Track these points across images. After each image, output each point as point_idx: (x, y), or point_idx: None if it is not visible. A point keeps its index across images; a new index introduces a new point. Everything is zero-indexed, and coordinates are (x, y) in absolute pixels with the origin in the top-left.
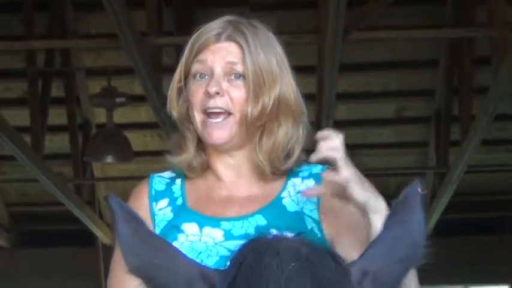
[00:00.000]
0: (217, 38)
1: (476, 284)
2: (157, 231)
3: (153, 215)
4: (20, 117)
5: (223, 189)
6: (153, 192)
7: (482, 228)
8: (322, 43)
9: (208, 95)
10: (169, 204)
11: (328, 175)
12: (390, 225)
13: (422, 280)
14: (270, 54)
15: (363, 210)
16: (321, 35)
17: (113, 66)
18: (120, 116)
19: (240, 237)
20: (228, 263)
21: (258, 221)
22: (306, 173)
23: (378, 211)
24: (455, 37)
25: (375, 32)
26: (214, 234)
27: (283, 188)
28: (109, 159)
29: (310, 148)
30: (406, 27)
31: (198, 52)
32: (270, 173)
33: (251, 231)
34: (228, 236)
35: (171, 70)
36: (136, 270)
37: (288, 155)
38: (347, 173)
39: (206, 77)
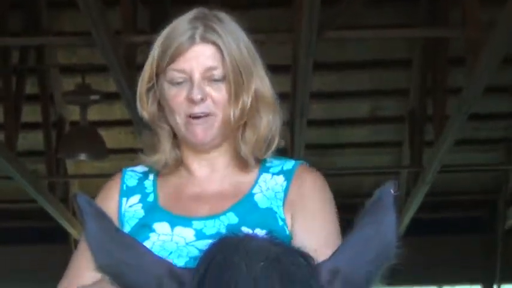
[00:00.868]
0: (191, 41)
1: (449, 284)
2: (127, 228)
3: (120, 212)
4: None
5: (195, 185)
6: (124, 188)
7: (455, 227)
8: (296, 42)
9: (193, 102)
10: (140, 200)
11: None
12: (363, 225)
13: (395, 280)
14: (242, 47)
15: None
16: (295, 34)
17: (87, 64)
18: (94, 113)
19: (211, 236)
20: (198, 262)
21: (230, 219)
22: (276, 169)
23: None
24: (429, 37)
25: (349, 31)
26: (185, 234)
27: (255, 183)
28: (83, 156)
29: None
30: (379, 27)
31: (173, 59)
32: (252, 163)
33: (223, 230)
34: (200, 235)
35: None
36: (104, 268)
37: (268, 145)
38: None
39: (184, 82)
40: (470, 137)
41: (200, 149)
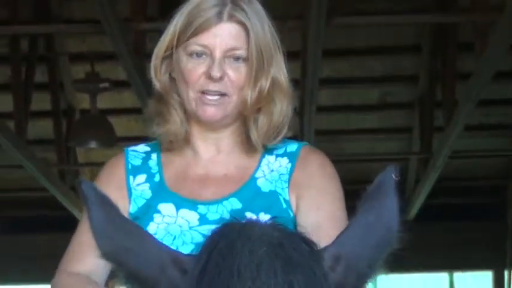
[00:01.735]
0: (219, 18)
1: (460, 270)
2: (134, 207)
3: (129, 189)
4: (4, 102)
5: (199, 166)
6: (129, 167)
7: (465, 213)
8: (306, 29)
9: (211, 79)
10: (147, 180)
11: None
12: (364, 210)
13: (406, 265)
14: (266, 30)
15: None
16: (304, 21)
17: (97, 52)
18: (104, 101)
19: (214, 221)
20: (201, 249)
21: (233, 204)
22: (280, 151)
23: None
24: (438, 22)
25: (358, 18)
26: (189, 217)
27: (258, 167)
28: (93, 144)
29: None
30: (388, 13)
31: (196, 33)
32: (259, 150)
33: (226, 215)
34: (203, 220)
35: None
36: (108, 255)
37: (277, 133)
38: None
39: (203, 56)
40: (480, 123)
41: (208, 126)
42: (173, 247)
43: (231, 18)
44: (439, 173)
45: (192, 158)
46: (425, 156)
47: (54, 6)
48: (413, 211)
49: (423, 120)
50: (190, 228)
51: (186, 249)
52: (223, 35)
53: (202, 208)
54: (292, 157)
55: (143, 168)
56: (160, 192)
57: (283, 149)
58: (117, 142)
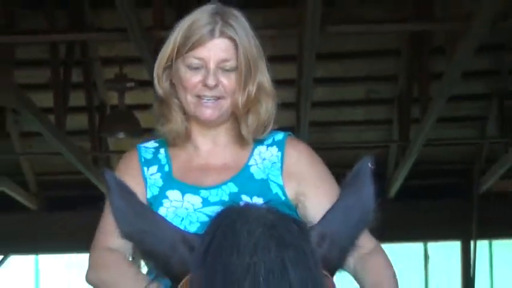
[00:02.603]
0: (211, 34)
1: (433, 240)
2: (150, 194)
3: (145, 178)
4: (45, 100)
5: (200, 157)
6: (142, 160)
7: (438, 192)
8: (301, 36)
9: (207, 87)
10: (158, 170)
11: None
12: (345, 194)
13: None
14: (252, 43)
15: None
16: (300, 29)
17: (124, 56)
18: (131, 98)
19: (215, 203)
20: (205, 229)
21: (231, 188)
22: (269, 141)
23: None
24: (414, 30)
25: (347, 26)
26: (194, 200)
27: (250, 156)
28: (121, 135)
29: (286, 125)
30: (372, 22)
31: (193, 48)
32: (250, 143)
33: (225, 197)
34: (206, 203)
35: None
36: (127, 236)
37: (265, 128)
38: None
39: (198, 69)
40: (450, 116)
41: (206, 124)
42: (181, 227)
43: (222, 34)
44: (415, 158)
45: (194, 151)
46: (404, 144)
47: (87, 16)
48: (393, 191)
49: (402, 114)
50: (195, 210)
51: (193, 228)
52: (216, 49)
53: (204, 192)
54: (280, 145)
55: (154, 160)
56: (169, 181)
57: (271, 138)
58: (142, 133)
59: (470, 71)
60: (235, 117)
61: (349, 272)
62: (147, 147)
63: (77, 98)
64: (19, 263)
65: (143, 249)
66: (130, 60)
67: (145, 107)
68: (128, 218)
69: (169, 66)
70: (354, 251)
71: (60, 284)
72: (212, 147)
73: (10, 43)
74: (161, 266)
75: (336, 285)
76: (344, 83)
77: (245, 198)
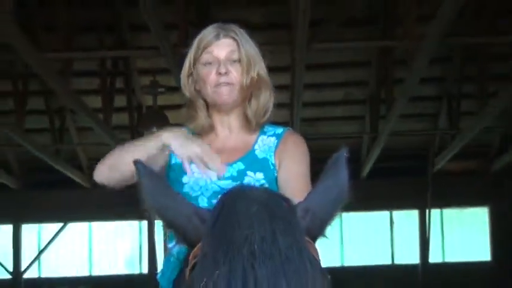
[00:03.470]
0: (217, 37)
1: (397, 209)
2: (174, 161)
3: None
4: (96, 102)
5: (219, 142)
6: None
7: (400, 172)
8: (293, 51)
9: (220, 74)
10: None
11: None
12: (325, 178)
13: (361, 207)
14: (251, 46)
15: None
16: (292, 46)
17: (156, 68)
18: (162, 100)
19: (227, 178)
20: (214, 206)
21: (239, 166)
22: (271, 133)
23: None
24: (381, 46)
25: (329, 43)
26: (211, 174)
27: (255, 142)
28: (154, 129)
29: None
30: (351, 40)
31: (205, 48)
32: (254, 125)
33: (234, 173)
34: (220, 177)
35: None
36: (154, 210)
37: (265, 112)
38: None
39: (212, 63)
40: (410, 113)
41: (223, 109)
42: (199, 192)
43: (225, 36)
44: (382, 146)
45: (214, 138)
46: (374, 135)
47: (128, 37)
48: (366, 172)
49: (372, 111)
50: (211, 182)
51: (208, 195)
52: (222, 45)
53: None
54: (278, 136)
55: None
56: None
57: (273, 131)
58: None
59: (425, 78)
60: (243, 106)
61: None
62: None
63: (120, 101)
64: (76, 229)
65: (166, 221)
66: (161, 71)
67: (173, 107)
68: (154, 197)
69: (191, 74)
70: (330, 222)
71: (109, 246)
72: (227, 134)
73: (69, 58)
74: (180, 234)
75: (318, 249)
76: (327, 88)
77: (250, 173)
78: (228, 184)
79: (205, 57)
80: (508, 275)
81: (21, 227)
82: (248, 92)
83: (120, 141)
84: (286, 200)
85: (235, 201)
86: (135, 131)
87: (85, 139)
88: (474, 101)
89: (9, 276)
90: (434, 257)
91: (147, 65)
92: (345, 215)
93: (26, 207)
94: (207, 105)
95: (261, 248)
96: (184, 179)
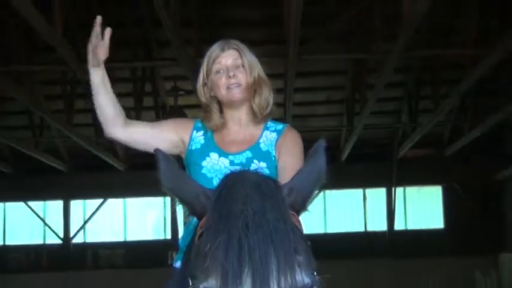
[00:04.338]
0: (223, 49)
1: (367, 188)
2: (194, 147)
3: (191, 137)
4: (128, 102)
5: (230, 135)
6: (195, 126)
7: (371, 157)
8: (286, 61)
9: (229, 77)
10: (203, 135)
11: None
12: (307, 163)
13: (339, 185)
14: (250, 54)
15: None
16: (285, 57)
17: (177, 75)
18: (182, 101)
19: (237, 164)
20: (217, 186)
21: (247, 154)
22: (273, 128)
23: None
24: (356, 58)
25: (315, 55)
26: (225, 161)
27: (261, 136)
28: None
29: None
30: (332, 52)
31: (215, 60)
32: (260, 118)
33: (243, 160)
34: (232, 163)
35: None
36: (169, 189)
37: (266, 106)
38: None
39: (222, 71)
40: (379, 110)
41: (234, 105)
42: (214, 175)
43: (229, 48)
44: (357, 137)
45: (226, 132)
46: (350, 128)
47: (154, 50)
48: (343, 157)
49: (349, 110)
50: (225, 167)
51: (221, 176)
52: (228, 56)
53: (231, 157)
54: (279, 132)
55: (202, 130)
56: (211, 144)
57: (274, 127)
58: None
59: (391, 83)
60: (249, 102)
61: None
62: (201, 123)
63: (148, 102)
64: (113, 204)
65: (180, 198)
66: (181, 77)
67: (191, 106)
68: (170, 178)
69: (206, 84)
70: (311, 198)
71: (140, 217)
72: (238, 129)
73: (109, 67)
74: (190, 209)
75: (301, 221)
76: (313, 91)
77: (255, 161)
78: (238, 169)
79: (216, 67)
80: (456, 239)
81: (69, 202)
82: (252, 90)
83: None
84: (275, 182)
85: (234, 182)
86: None
87: None
88: (430, 101)
89: (60, 242)
90: (398, 225)
91: (169, 73)
92: (327, 191)
93: (73, 186)
94: (220, 106)
95: (253, 220)
96: (203, 163)
